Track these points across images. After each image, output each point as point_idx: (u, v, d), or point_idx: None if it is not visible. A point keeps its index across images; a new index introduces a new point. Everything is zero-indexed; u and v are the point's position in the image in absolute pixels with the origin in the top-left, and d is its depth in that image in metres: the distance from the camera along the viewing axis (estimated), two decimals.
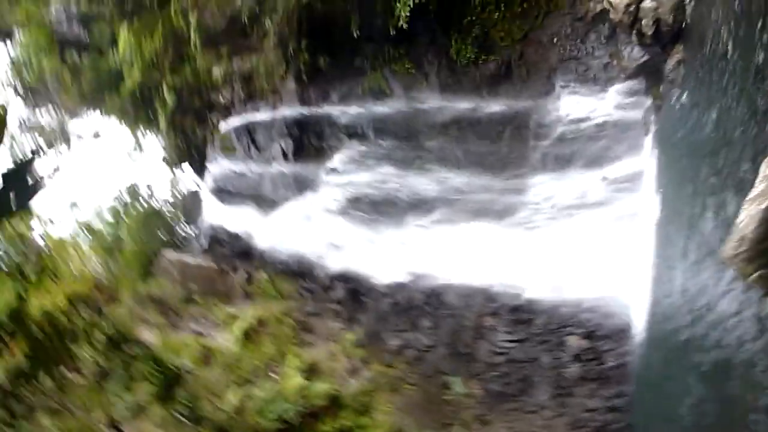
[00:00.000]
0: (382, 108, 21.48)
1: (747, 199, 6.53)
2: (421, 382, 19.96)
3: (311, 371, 20.70)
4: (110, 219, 31.21)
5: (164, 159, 27.49)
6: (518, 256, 19.25)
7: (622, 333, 17.30)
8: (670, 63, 13.64)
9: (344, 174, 22.64)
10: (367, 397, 19.90)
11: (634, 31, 14.31)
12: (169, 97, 23.20)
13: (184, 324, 23.27)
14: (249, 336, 22.19)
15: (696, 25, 12.35)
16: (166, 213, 31.82)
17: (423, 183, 21.33)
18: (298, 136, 23.39)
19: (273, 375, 20.44)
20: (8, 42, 25.97)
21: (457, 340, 20.00)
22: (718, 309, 9.41)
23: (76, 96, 25.16)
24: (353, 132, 22.37)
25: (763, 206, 6.28)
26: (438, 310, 20.70)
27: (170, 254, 26.16)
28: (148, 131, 28.55)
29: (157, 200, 32.23)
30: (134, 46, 22.54)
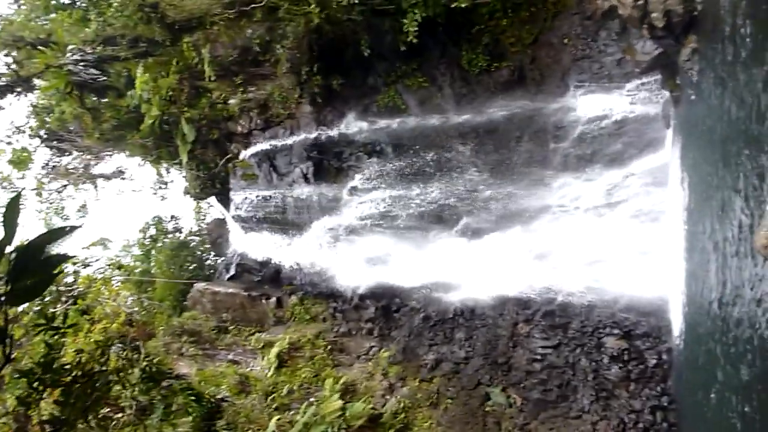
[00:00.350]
0: (398, 123, 21.53)
1: None
2: (460, 395, 19.81)
3: (349, 392, 20.68)
4: (139, 254, 31.68)
5: (188, 191, 27.79)
6: (548, 259, 19.08)
7: (661, 330, 17.03)
8: (685, 53, 13.44)
9: (366, 192, 22.68)
10: (407, 414, 19.80)
11: (645, 25, 14.14)
12: (188, 131, 23.51)
13: (219, 354, 23.41)
14: (284, 361, 22.27)
15: (708, 12, 12.19)
16: (194, 244, 32.22)
17: (445, 194, 21.28)
18: (317, 159, 23.52)
19: (311, 398, 20.44)
20: (29, 90, 26.60)
21: (493, 350, 19.83)
22: (749, 300, 9.21)
23: (97, 137, 25.63)
24: (372, 150, 22.44)
25: None
26: (471, 321, 20.56)
27: (200, 285, 26.39)
28: (170, 166, 28.97)
29: (183, 232, 32.66)
30: (150, 84, 22.92)
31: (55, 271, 3.35)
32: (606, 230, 18.15)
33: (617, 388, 17.51)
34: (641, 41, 15.46)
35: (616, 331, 17.78)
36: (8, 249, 3.08)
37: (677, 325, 15.78)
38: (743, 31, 9.87)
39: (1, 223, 3.01)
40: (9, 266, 3.13)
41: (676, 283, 15.20)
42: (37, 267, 3.15)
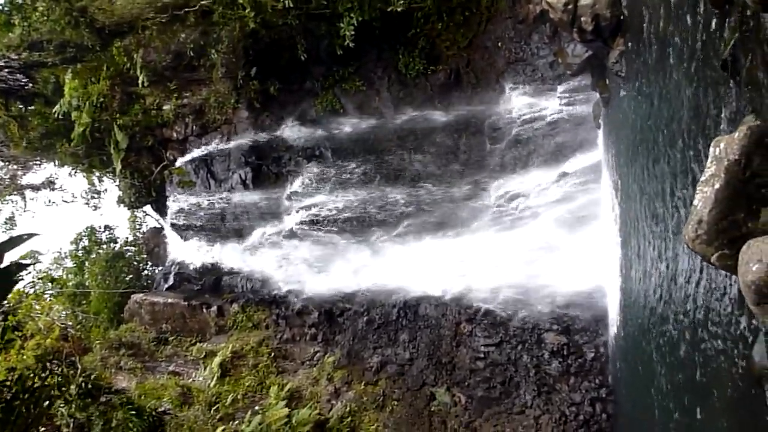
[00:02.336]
0: (337, 127, 21.52)
1: (701, 180, 6.66)
2: (405, 397, 19.91)
3: (294, 398, 20.52)
4: (72, 266, 30.61)
5: (122, 200, 27.06)
6: (488, 259, 19.40)
7: (598, 324, 17.54)
8: (613, 56, 13.91)
9: (306, 197, 22.58)
10: (353, 418, 19.78)
11: (575, 29, 14.57)
12: (121, 138, 22.89)
13: (160, 366, 22.84)
14: (227, 370, 21.91)
15: (634, 17, 12.66)
16: (129, 255, 31.34)
17: (385, 197, 21.38)
18: (256, 164, 23.28)
19: (256, 407, 20.18)
20: None
21: (437, 350, 20.02)
22: (683, 291, 9.60)
23: (25, 146, 24.65)
24: (311, 154, 22.36)
25: (716, 187, 6.41)
26: (415, 323, 20.70)
27: (138, 296, 25.70)
28: (102, 175, 28.14)
29: (118, 243, 31.73)
30: (80, 91, 22.21)
31: (13, 278, 3.26)
32: (542, 229, 18.58)
33: (558, 382, 17.93)
34: (572, 44, 15.93)
35: (555, 327, 18.21)
36: None
37: (613, 318, 16.30)
38: (666, 34, 10.29)
39: None
40: None
41: (612, 278, 15.70)
42: None
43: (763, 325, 6.43)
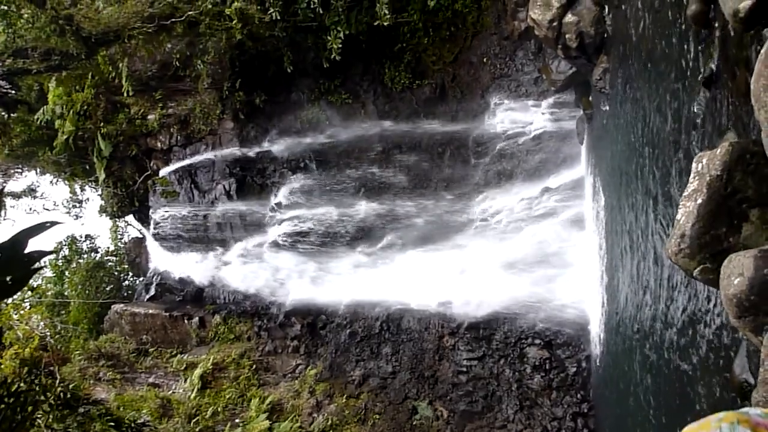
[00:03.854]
0: (322, 139, 21.55)
1: (683, 195, 6.76)
2: (387, 410, 19.84)
3: (275, 411, 20.36)
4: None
5: (104, 210, 26.82)
6: (470, 273, 19.45)
7: (580, 339, 17.63)
8: (597, 73, 14.11)
9: (290, 208, 22.55)
10: (335, 431, 19.65)
11: (560, 46, 14.77)
12: (104, 147, 22.74)
13: (139, 377, 22.58)
14: (208, 382, 21.71)
15: (617, 35, 12.86)
16: (110, 264, 31.04)
17: (369, 210, 21.41)
18: (240, 175, 23.23)
19: (236, 420, 19.99)
20: None
21: (420, 364, 20.00)
22: (665, 305, 9.70)
23: (7, 153, 24.40)
24: (296, 166, 22.36)
25: (698, 202, 6.51)
26: (398, 336, 20.68)
27: (118, 306, 25.42)
28: (85, 183, 27.90)
29: (99, 252, 31.41)
30: (64, 99, 22.06)
31: (35, 266, 3.30)
32: (525, 243, 18.69)
33: (540, 396, 17.97)
34: (556, 61, 16.13)
35: (537, 341, 18.28)
36: None
37: (596, 333, 16.39)
38: (649, 51, 10.46)
39: None
40: None
41: (594, 292, 15.81)
42: (19, 263, 3.10)
43: (744, 338, 6.51)
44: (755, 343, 5.76)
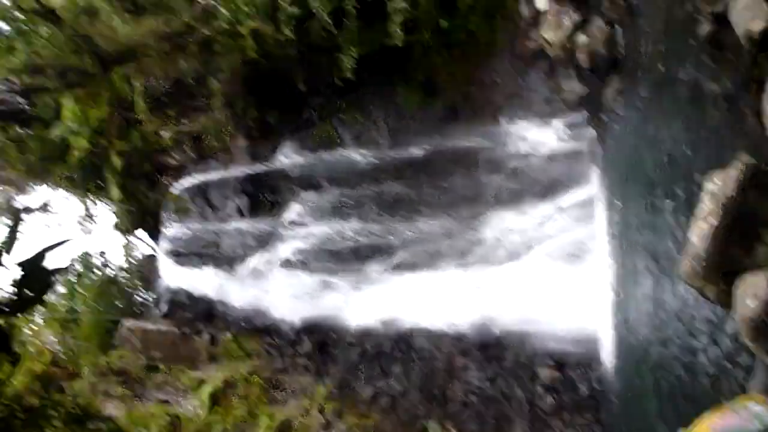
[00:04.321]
0: (333, 158, 21.64)
1: (696, 215, 6.74)
2: (397, 430, 19.68)
3: (284, 430, 20.26)
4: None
5: (117, 226, 26.99)
6: (483, 293, 19.36)
7: (592, 360, 17.45)
8: (609, 93, 14.15)
9: (302, 227, 22.59)
10: None
11: (572, 66, 14.84)
12: (117, 164, 22.94)
13: (149, 393, 22.56)
14: (217, 400, 21.65)
15: (630, 55, 12.90)
16: (122, 280, 31.13)
17: (381, 229, 21.41)
18: (252, 193, 23.33)
19: None
20: None
21: (430, 383, 19.85)
22: (678, 326, 9.62)
23: (22, 169, 24.66)
24: (308, 184, 22.43)
25: (712, 222, 6.49)
26: (408, 355, 20.56)
27: (129, 322, 25.47)
28: (98, 199, 28.11)
29: (112, 268, 31.53)
30: (79, 115, 22.31)
31: (50, 281, 3.42)
32: (537, 263, 18.59)
33: (551, 418, 17.76)
34: (568, 80, 16.16)
35: (549, 362, 18.09)
36: (9, 260, 3.21)
37: (608, 354, 16.22)
38: (663, 72, 10.47)
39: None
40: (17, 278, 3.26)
41: (606, 312, 15.68)
42: (38, 277, 3.23)
43: (760, 360, 6.43)
44: None
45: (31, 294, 3.21)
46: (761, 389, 6.79)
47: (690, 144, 9.16)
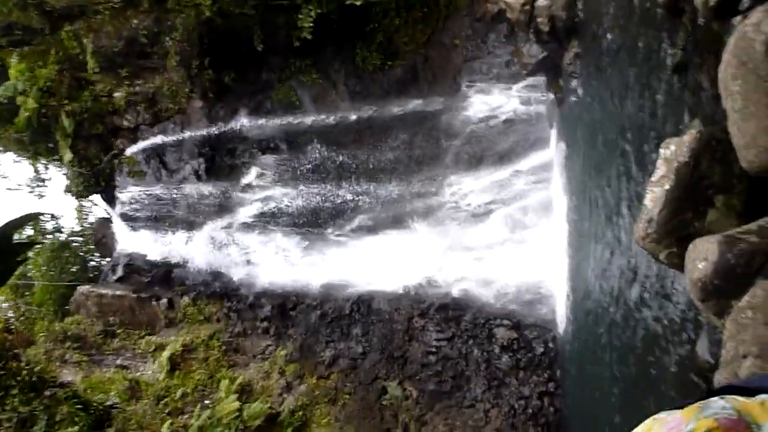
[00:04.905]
0: (292, 120, 21.38)
1: (651, 181, 6.88)
2: (357, 390, 19.97)
3: (245, 392, 20.37)
4: None
5: (69, 189, 26.29)
6: (441, 255, 19.59)
7: (547, 320, 17.91)
8: (568, 57, 14.21)
9: (260, 189, 22.39)
10: (305, 412, 19.76)
11: (532, 29, 14.83)
12: (68, 125, 22.25)
13: (107, 359, 22.36)
14: (177, 364, 21.59)
15: (589, 20, 12.95)
16: (76, 245, 30.52)
17: (340, 192, 21.38)
18: (209, 155, 22.94)
19: (206, 401, 19.96)
20: None
21: (389, 345, 20.13)
22: (631, 288, 9.92)
23: None
24: (266, 146, 22.16)
25: (666, 187, 6.64)
26: (368, 317, 20.76)
27: (84, 288, 25.04)
28: (49, 162, 27.32)
29: (64, 233, 30.86)
30: (27, 75, 21.49)
31: (20, 258, 3.24)
32: (495, 225, 18.86)
33: (508, 376, 18.25)
34: (528, 44, 16.17)
35: (506, 322, 18.50)
36: None
37: (562, 314, 16.68)
38: (621, 37, 10.57)
39: None
40: None
41: (561, 274, 16.05)
42: (4, 255, 3.05)
43: (707, 320, 6.69)
44: (718, 325, 5.93)
45: None
46: (707, 347, 7.09)
47: (646, 109, 9.31)
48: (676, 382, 7.98)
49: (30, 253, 28.52)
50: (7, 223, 3.03)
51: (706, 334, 6.89)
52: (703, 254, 5.78)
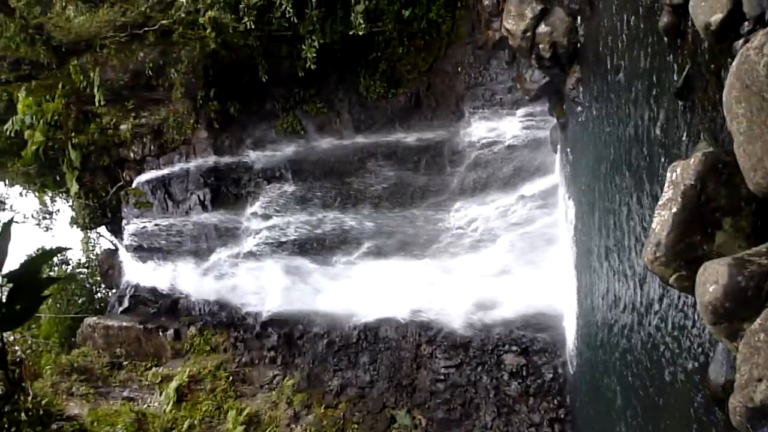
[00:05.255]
0: (297, 149, 21.50)
1: (658, 204, 6.87)
2: (365, 420, 19.78)
3: (253, 423, 20.21)
4: None
5: (75, 221, 26.41)
6: (447, 281, 19.52)
7: (556, 345, 17.77)
8: (570, 82, 14.30)
9: (266, 219, 22.43)
10: None
11: (533, 55, 14.93)
12: (75, 158, 22.43)
13: (114, 391, 22.23)
14: (183, 395, 21.45)
15: (590, 45, 13.06)
16: (82, 277, 30.55)
17: (345, 220, 21.39)
18: (215, 185, 23.05)
19: None
20: None
21: (397, 372, 19.98)
22: (640, 312, 9.84)
23: None
24: (271, 175, 22.26)
25: (673, 210, 6.63)
26: (375, 345, 20.64)
27: (91, 319, 25.03)
28: (55, 195, 27.47)
29: (70, 264, 30.91)
30: (34, 108, 21.74)
31: (44, 294, 3.24)
32: (501, 251, 18.81)
33: (517, 403, 18.06)
34: (530, 70, 16.29)
35: (514, 348, 18.37)
36: None
37: (571, 339, 16.54)
38: (622, 61, 10.63)
39: None
40: (3, 291, 3.07)
41: (570, 299, 15.95)
42: (29, 290, 3.06)
43: (719, 344, 6.62)
44: (731, 348, 5.86)
45: (21, 308, 3.07)
46: (720, 372, 7.01)
47: (650, 133, 9.33)
48: (689, 408, 7.87)
49: None
50: (32, 258, 3.04)
51: (719, 358, 6.81)
52: (714, 277, 5.74)
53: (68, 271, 29.94)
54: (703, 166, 6.35)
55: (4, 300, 3.03)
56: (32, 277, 3.08)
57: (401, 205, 20.76)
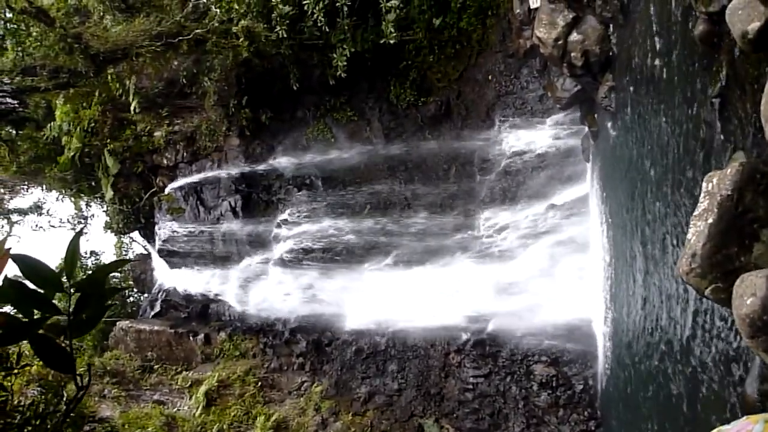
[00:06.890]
0: (327, 156, 21.64)
1: (694, 215, 6.78)
2: (393, 428, 19.75)
3: (280, 429, 20.30)
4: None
5: (109, 226, 26.90)
6: (477, 290, 19.42)
7: (587, 356, 17.56)
8: (602, 91, 14.18)
9: (296, 225, 22.58)
10: None
11: (565, 64, 14.85)
12: (111, 164, 22.87)
13: (144, 394, 22.53)
14: (213, 399, 21.65)
15: (623, 53, 12.95)
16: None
17: (375, 227, 21.43)
18: (246, 192, 23.30)
19: None
20: None
21: (426, 381, 19.92)
22: (675, 323, 9.69)
23: (14, 170, 24.57)
24: (301, 183, 22.43)
25: (709, 221, 6.54)
26: (404, 353, 20.61)
27: (123, 323, 25.42)
28: (90, 200, 28.02)
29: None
30: (71, 116, 22.23)
31: (109, 303, 3.38)
32: (531, 260, 18.66)
33: (547, 414, 17.87)
34: (561, 79, 16.21)
35: (544, 359, 18.19)
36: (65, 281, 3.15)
37: (602, 350, 16.33)
38: (655, 70, 10.52)
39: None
40: (71, 300, 3.22)
41: (601, 310, 15.77)
42: (95, 299, 3.19)
43: (756, 357, 6.50)
44: None
45: (87, 317, 3.18)
46: (757, 385, 6.87)
47: (685, 142, 9.22)
48: (724, 421, 7.72)
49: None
50: (100, 268, 3.16)
51: (756, 372, 6.69)
52: (751, 289, 5.65)
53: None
54: (740, 176, 6.26)
55: (72, 309, 3.16)
56: (98, 287, 3.20)
57: (430, 213, 20.74)
